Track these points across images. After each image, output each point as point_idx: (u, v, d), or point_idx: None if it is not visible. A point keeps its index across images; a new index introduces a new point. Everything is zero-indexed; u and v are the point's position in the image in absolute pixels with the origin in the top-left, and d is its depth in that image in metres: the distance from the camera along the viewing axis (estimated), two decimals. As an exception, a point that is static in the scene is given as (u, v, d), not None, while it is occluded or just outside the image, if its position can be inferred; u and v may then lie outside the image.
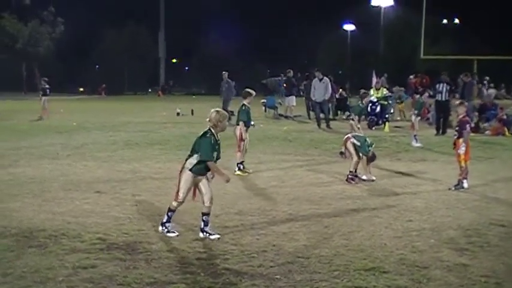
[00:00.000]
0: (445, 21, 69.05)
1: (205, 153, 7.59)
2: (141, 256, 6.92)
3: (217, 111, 7.88)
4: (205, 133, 7.75)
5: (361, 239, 7.71)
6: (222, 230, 8.00)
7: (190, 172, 7.64)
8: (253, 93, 13.12)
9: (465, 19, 64.77)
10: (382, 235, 7.89)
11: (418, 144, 17.37)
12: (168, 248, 7.26)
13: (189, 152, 7.77)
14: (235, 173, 12.36)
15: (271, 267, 6.56)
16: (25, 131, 22.10)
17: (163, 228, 7.87)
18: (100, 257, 6.86)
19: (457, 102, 12.33)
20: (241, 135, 12.72)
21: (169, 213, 7.88)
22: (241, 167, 12.59)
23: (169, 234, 7.77)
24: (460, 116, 11.21)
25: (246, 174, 12.41)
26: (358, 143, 11.84)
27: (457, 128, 11.16)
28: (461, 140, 10.93)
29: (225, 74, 28.02)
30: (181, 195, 7.72)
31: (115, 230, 8.03)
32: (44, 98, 29.73)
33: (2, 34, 65.62)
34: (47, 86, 30.33)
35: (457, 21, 70.54)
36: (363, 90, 14.83)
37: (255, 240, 7.63)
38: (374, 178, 11.86)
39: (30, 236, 7.68)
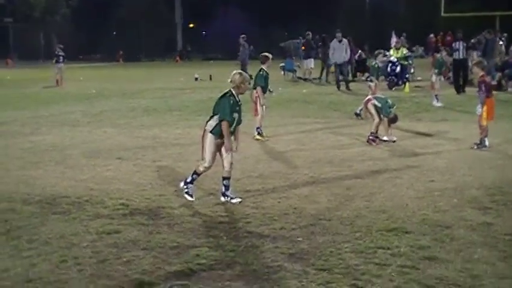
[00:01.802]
0: (465, -23, 67.63)
1: (223, 112, 7.57)
2: (164, 221, 6.97)
3: (240, 73, 7.86)
4: (225, 94, 7.74)
5: (382, 200, 7.69)
6: (244, 193, 8.02)
7: (211, 134, 7.63)
8: (270, 56, 12.99)
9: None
10: (403, 196, 7.86)
11: (439, 104, 17.20)
12: (190, 213, 7.30)
13: (210, 115, 7.76)
14: (254, 138, 12.33)
15: (293, 229, 6.58)
16: (45, 99, 22.24)
17: (185, 186, 7.88)
18: (123, 222, 6.93)
19: (473, 62, 12.15)
20: (257, 99, 12.61)
21: (194, 176, 7.88)
22: (260, 131, 12.53)
23: (186, 196, 7.81)
24: (478, 76, 11.11)
25: (266, 139, 12.36)
26: (379, 105, 11.73)
27: (477, 89, 11.08)
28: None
29: (242, 38, 27.85)
30: (207, 159, 7.71)
31: (137, 195, 8.09)
32: (57, 65, 29.86)
33: (19, 3, 65.63)
34: (61, 54, 30.27)
35: (478, -23, 69.05)
36: (377, 51, 14.63)
37: (277, 203, 7.64)
38: (395, 139, 11.78)
39: (54, 203, 7.77)
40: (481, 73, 11.02)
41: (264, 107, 12.70)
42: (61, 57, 30.03)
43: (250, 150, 10.84)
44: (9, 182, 9.03)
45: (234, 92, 7.72)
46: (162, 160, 10.51)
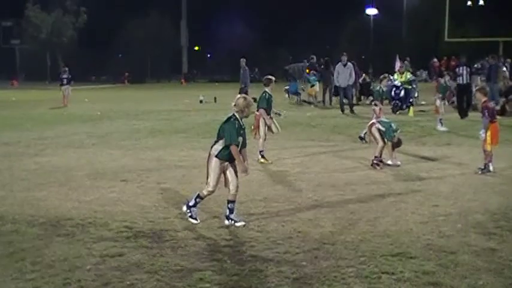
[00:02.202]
0: (469, 3, 68.05)
1: (230, 136, 7.59)
2: (168, 244, 6.96)
3: (244, 97, 7.89)
4: (229, 118, 7.76)
5: (387, 224, 7.67)
6: (248, 217, 8.01)
7: (216, 158, 7.64)
8: (273, 79, 13.03)
9: (490, 0, 63.76)
10: (408, 220, 7.84)
11: (444, 129, 17.21)
12: (194, 236, 7.29)
13: (214, 139, 7.78)
14: (259, 161, 12.34)
15: (297, 253, 6.56)
16: (50, 121, 22.33)
17: (188, 211, 7.88)
18: (127, 245, 6.92)
19: (476, 88, 12.22)
20: (259, 122, 12.62)
21: (197, 199, 7.88)
22: (262, 155, 12.53)
23: (191, 220, 7.80)
24: (481, 102, 11.20)
25: (270, 162, 12.36)
26: (383, 128, 11.75)
27: (481, 115, 11.13)
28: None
29: (243, 61, 27.84)
30: (211, 183, 7.69)
31: (141, 218, 8.09)
32: (62, 87, 30.51)
33: (26, 25, 66.17)
34: (64, 76, 30.84)
35: (481, 2, 69.49)
36: (382, 75, 14.65)
37: (281, 227, 7.63)
38: (399, 163, 11.77)
39: (58, 225, 7.78)
40: (484, 99, 11.09)
41: (269, 127, 12.68)
42: (65, 80, 30.49)
43: (254, 174, 10.82)
44: (14, 203, 9.04)
45: (237, 115, 7.75)
46: (167, 182, 10.51)
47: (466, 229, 7.39)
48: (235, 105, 7.79)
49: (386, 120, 12.36)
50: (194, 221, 7.80)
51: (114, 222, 7.85)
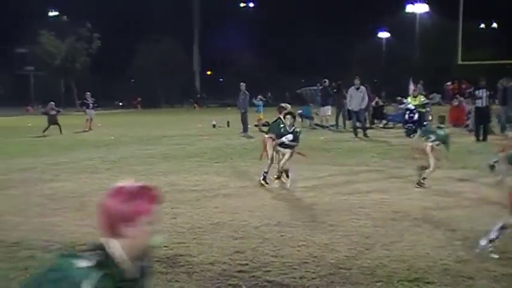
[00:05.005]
0: (482, 25, 68.20)
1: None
2: (183, 269, 6.93)
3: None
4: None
5: (403, 249, 7.60)
6: (262, 242, 7.98)
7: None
8: (288, 106, 13.14)
9: (503, 23, 63.92)
10: (424, 245, 7.76)
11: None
12: (209, 261, 7.25)
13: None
14: (259, 182, 12.29)
15: (313, 278, 6.51)
16: (64, 146, 22.46)
17: (489, 245, 7.14)
18: (142, 270, 6.88)
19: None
20: (266, 145, 12.76)
21: (501, 230, 7.12)
22: (264, 176, 12.46)
23: (492, 255, 7.10)
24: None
25: (266, 185, 12.27)
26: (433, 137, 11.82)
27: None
28: None
29: (243, 85, 27.63)
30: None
31: (156, 243, 8.05)
32: (87, 111, 32.25)
33: (40, 52, 66.90)
34: (86, 101, 32.53)
35: (495, 25, 69.71)
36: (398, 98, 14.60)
37: (296, 251, 7.58)
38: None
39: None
40: None
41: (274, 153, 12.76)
42: (90, 104, 32.17)
43: (268, 198, 10.81)
44: (29, 229, 9.06)
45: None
46: (180, 207, 10.48)
47: (484, 253, 7.30)
48: None
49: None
50: (495, 256, 7.07)
51: (129, 248, 7.81)
